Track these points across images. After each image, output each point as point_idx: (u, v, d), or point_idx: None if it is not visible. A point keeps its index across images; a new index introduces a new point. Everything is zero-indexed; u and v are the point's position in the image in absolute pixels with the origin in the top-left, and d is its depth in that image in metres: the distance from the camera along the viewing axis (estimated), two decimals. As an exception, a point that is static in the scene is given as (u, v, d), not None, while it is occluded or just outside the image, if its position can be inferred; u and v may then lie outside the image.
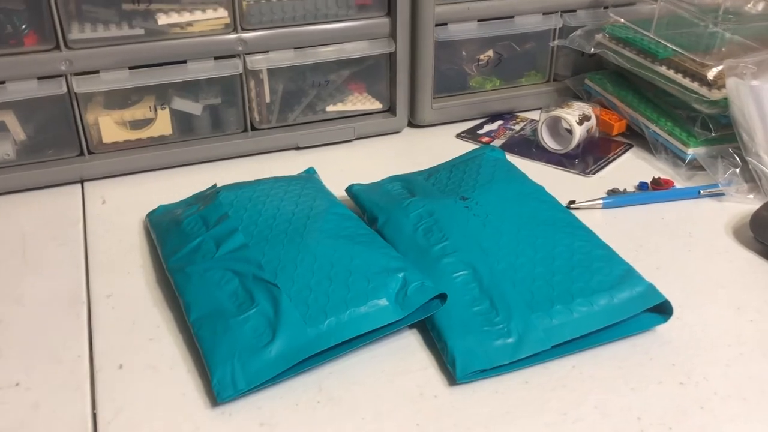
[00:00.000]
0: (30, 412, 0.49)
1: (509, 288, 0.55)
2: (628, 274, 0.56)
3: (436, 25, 0.84)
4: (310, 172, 0.75)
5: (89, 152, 0.78)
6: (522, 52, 0.92)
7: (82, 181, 0.78)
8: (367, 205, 0.68)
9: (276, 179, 0.70)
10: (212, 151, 0.81)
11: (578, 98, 0.91)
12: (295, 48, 0.80)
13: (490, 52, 0.91)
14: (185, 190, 0.74)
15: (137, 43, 0.74)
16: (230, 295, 0.55)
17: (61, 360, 0.54)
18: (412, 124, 0.91)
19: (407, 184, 0.70)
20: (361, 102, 0.87)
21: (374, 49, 0.83)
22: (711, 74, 0.74)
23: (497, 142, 0.86)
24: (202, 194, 0.70)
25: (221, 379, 0.49)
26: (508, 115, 0.93)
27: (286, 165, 0.82)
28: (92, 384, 0.51)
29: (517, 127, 0.90)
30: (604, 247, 0.59)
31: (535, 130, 0.86)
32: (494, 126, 0.90)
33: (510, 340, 0.52)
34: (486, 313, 0.54)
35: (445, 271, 0.57)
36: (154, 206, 0.71)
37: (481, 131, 0.89)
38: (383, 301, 0.53)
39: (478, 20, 0.86)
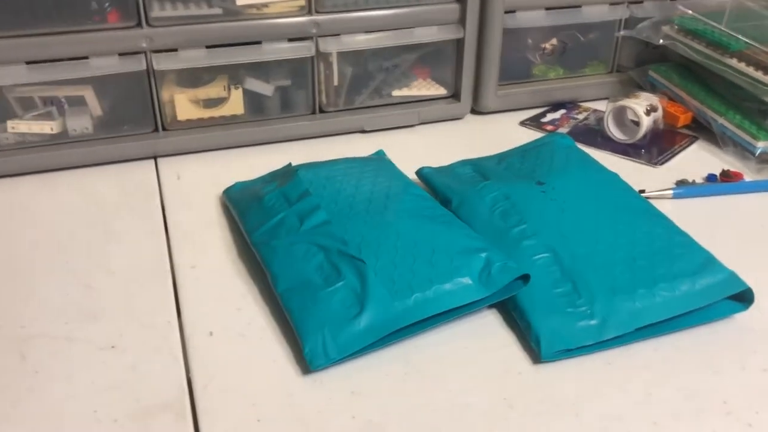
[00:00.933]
0: (129, 372, 0.51)
1: (591, 271, 0.56)
2: (709, 262, 0.56)
3: (505, 12, 0.85)
4: (381, 154, 0.76)
5: (164, 129, 0.79)
6: (586, 41, 0.92)
7: (155, 157, 0.80)
8: (440, 187, 0.69)
9: (351, 160, 0.71)
10: (281, 132, 0.83)
11: (641, 89, 0.91)
12: (366, 32, 0.81)
13: (554, 41, 0.91)
14: (256, 169, 0.75)
15: (215, 22, 0.76)
16: (316, 268, 0.56)
17: (152, 326, 0.55)
18: (475, 111, 0.91)
19: (478, 168, 0.71)
20: (426, 87, 0.88)
21: (443, 35, 0.84)
22: (785, 67, 0.74)
23: (561, 131, 0.86)
24: (278, 172, 0.71)
25: (313, 348, 0.50)
26: (570, 105, 0.93)
27: (352, 147, 0.83)
28: (184, 350, 0.53)
29: (581, 117, 0.90)
30: (683, 235, 0.60)
31: (599, 120, 0.86)
32: (557, 115, 0.91)
33: (593, 322, 0.53)
34: (568, 295, 0.55)
35: (526, 253, 0.58)
36: (227, 183, 0.73)
37: (544, 119, 0.89)
38: (467, 280, 0.54)
39: (546, 8, 0.87)
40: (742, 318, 0.56)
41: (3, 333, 0.54)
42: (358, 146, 0.83)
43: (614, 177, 0.67)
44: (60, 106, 0.76)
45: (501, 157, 0.73)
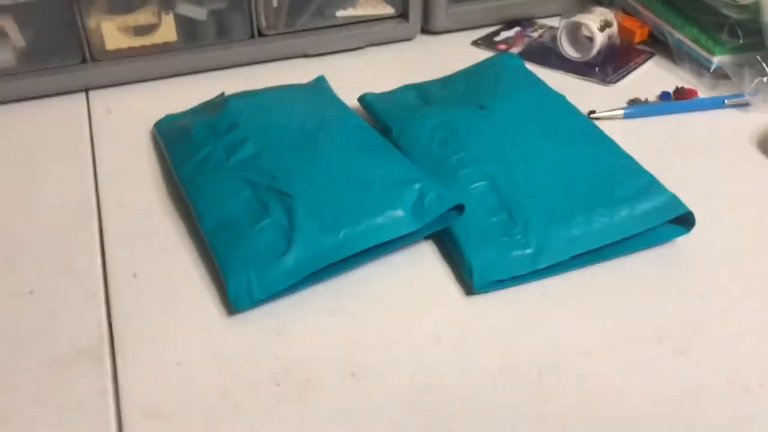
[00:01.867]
0: (46, 319, 0.49)
1: (528, 198, 0.54)
2: (650, 185, 0.55)
3: (453, -77, 0.80)
4: (320, 81, 0.72)
5: (93, 59, 0.75)
6: (542, -47, 0.87)
7: (86, 90, 0.76)
8: (381, 115, 0.66)
9: (285, 87, 0.67)
10: (218, 59, 0.79)
11: (599, 3, 0.87)
12: (303, -53, 0.76)
13: (508, -47, 0.87)
14: (191, 100, 0.71)
15: (137, -59, 0.70)
16: (243, 204, 0.53)
17: (73, 269, 0.53)
18: (425, 31, 0.87)
19: (422, 93, 0.68)
20: (372, 6, 0.83)
21: (387, -50, 0.79)
22: (743, -24, 0.71)
23: (514, 50, 0.83)
24: (209, 103, 0.68)
25: (237, 289, 0.49)
26: (525, 22, 0.89)
27: (295, 74, 0.79)
28: (106, 292, 0.51)
29: (535, 34, 0.86)
30: (626, 158, 0.58)
31: (554, 38, 0.82)
32: (511, 33, 0.87)
33: (528, 251, 0.51)
34: (504, 224, 0.53)
35: (463, 182, 0.56)
36: (161, 115, 0.69)
37: (497, 38, 0.86)
38: (399, 212, 0.52)
39: None
40: (683, 242, 0.55)
41: None
42: (301, 72, 0.79)
43: (560, 98, 0.64)
44: (-23, 37, 0.71)
45: (446, 81, 0.70)
